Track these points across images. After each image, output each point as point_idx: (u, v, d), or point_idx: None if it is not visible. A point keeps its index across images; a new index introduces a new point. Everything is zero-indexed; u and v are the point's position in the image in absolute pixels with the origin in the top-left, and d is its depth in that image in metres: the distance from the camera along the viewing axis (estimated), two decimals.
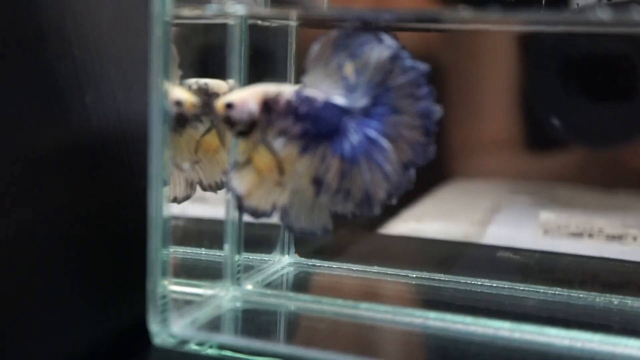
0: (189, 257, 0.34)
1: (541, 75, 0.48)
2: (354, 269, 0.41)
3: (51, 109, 0.29)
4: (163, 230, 0.30)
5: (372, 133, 0.29)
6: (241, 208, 0.30)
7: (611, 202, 0.57)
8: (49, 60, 0.29)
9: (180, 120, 0.31)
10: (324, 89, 0.29)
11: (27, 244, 0.28)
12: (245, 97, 0.29)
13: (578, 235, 0.52)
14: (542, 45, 0.46)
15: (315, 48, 0.30)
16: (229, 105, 0.29)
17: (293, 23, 0.38)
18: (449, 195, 0.61)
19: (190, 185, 0.35)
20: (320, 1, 0.41)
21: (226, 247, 0.35)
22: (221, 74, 0.34)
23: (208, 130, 0.35)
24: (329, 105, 0.29)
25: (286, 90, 0.29)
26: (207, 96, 0.35)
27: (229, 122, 0.29)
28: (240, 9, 0.33)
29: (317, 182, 0.29)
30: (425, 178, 0.57)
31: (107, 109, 0.32)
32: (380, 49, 0.29)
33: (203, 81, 0.34)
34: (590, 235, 0.51)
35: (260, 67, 0.36)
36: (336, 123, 0.29)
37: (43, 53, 0.29)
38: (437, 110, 0.30)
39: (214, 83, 0.34)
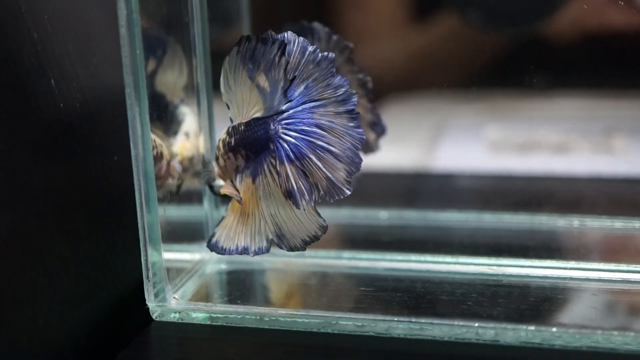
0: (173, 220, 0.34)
1: None
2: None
3: (20, 98, 0.28)
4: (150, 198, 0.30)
5: (304, 126, 0.29)
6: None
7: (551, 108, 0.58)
8: (11, 48, 0.28)
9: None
10: (246, 111, 0.30)
11: (21, 237, 0.28)
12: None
13: (525, 149, 0.53)
14: None
15: (222, 80, 0.30)
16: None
17: None
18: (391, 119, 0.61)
19: None
20: None
21: (205, 203, 0.36)
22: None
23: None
24: (250, 124, 0.30)
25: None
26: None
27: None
28: None
29: (289, 194, 0.29)
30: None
31: (72, 89, 0.31)
32: (288, 49, 0.29)
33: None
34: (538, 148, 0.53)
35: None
36: (266, 134, 0.29)
37: (4, 42, 0.28)
38: (354, 94, 0.29)
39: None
